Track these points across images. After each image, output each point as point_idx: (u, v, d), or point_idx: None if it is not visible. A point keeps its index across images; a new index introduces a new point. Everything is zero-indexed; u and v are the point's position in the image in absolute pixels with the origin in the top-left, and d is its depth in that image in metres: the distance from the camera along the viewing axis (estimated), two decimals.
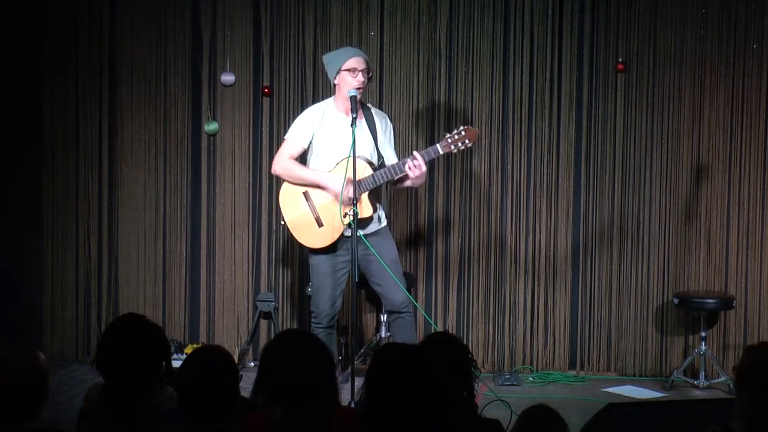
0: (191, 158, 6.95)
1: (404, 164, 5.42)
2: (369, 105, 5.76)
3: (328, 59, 5.61)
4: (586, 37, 6.68)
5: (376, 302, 6.74)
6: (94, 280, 7.01)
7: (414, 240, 6.84)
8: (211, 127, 6.88)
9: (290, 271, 6.91)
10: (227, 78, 6.84)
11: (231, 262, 6.94)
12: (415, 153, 5.43)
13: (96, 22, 6.92)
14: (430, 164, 6.74)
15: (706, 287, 6.67)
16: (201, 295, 6.98)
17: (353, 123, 5.27)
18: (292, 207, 5.60)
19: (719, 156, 6.64)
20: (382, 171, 5.46)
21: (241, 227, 6.92)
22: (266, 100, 6.88)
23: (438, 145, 5.48)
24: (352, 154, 5.23)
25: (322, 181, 5.48)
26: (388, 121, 5.78)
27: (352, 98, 5.36)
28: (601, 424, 4.05)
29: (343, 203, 5.37)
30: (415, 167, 5.38)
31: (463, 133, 5.44)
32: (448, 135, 5.50)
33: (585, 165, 6.73)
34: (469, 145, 5.47)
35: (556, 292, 6.76)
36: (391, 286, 5.52)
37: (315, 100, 6.77)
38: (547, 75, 6.71)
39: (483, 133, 6.76)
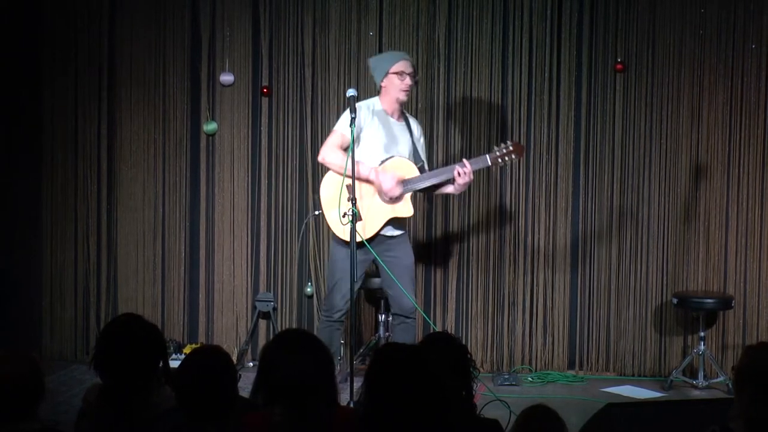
0: (190, 158, 6.95)
1: (452, 169, 5.48)
2: (404, 111, 5.77)
3: (375, 62, 5.70)
4: (585, 37, 6.68)
5: (374, 302, 6.75)
6: (93, 280, 7.01)
7: (413, 240, 6.83)
8: (210, 127, 6.89)
9: (289, 271, 6.91)
10: (226, 78, 6.84)
11: (230, 262, 6.94)
12: (464, 160, 5.51)
13: (96, 23, 6.92)
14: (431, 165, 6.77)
15: (705, 287, 6.67)
16: (200, 295, 6.98)
17: (352, 122, 5.27)
18: (333, 198, 5.51)
19: (718, 156, 6.64)
20: (429, 173, 5.55)
21: (240, 227, 6.92)
22: (265, 100, 6.88)
23: (487, 156, 5.56)
24: (351, 154, 5.24)
25: (373, 177, 5.46)
26: (419, 125, 5.85)
27: (350, 98, 5.35)
28: (600, 424, 4.05)
29: (388, 201, 5.48)
30: (465, 174, 5.45)
31: (511, 147, 5.53)
32: (496, 148, 5.59)
33: (584, 165, 6.73)
34: (516, 159, 5.59)
35: (555, 292, 6.77)
36: (402, 290, 5.55)
37: (314, 100, 6.78)
38: (546, 75, 6.71)
39: (482, 133, 6.76)
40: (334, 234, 5.55)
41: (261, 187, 6.90)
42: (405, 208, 5.56)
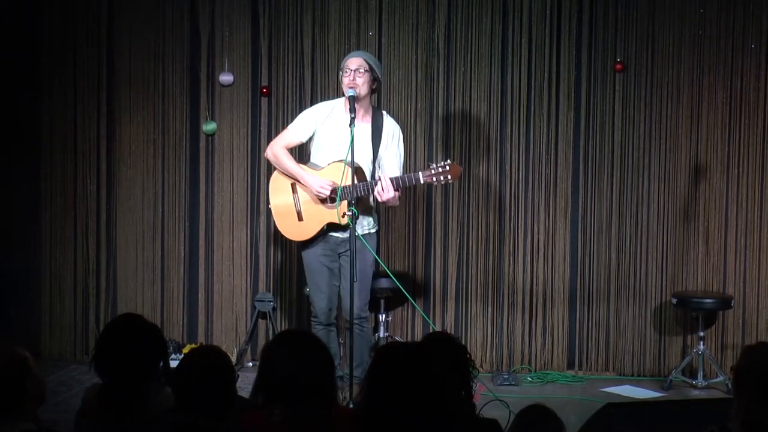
0: (189, 158, 6.95)
1: (375, 185, 5.33)
2: (383, 112, 5.68)
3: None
4: (584, 37, 6.68)
5: (374, 302, 6.74)
6: (93, 280, 7.01)
7: (412, 240, 6.84)
8: (209, 127, 6.89)
9: (288, 271, 6.91)
10: (226, 78, 6.84)
11: (229, 262, 6.94)
12: (383, 176, 5.34)
13: (95, 23, 6.92)
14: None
15: (705, 287, 6.67)
16: (199, 295, 6.98)
17: (351, 123, 5.25)
18: (279, 194, 5.65)
19: (717, 156, 6.64)
20: (358, 185, 5.34)
21: (239, 227, 6.92)
22: (264, 100, 6.88)
23: (420, 173, 5.36)
24: (350, 155, 5.21)
25: (304, 179, 5.51)
26: (398, 131, 5.65)
27: (350, 98, 5.35)
28: (600, 424, 4.06)
29: (320, 202, 5.42)
30: (383, 190, 5.29)
31: (447, 167, 5.29)
32: (432, 165, 5.35)
33: (583, 165, 6.73)
34: (451, 181, 5.35)
35: (554, 291, 6.76)
36: (346, 293, 5.39)
37: (313, 100, 6.78)
38: (546, 75, 6.71)
39: (481, 133, 6.76)
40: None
41: (260, 187, 6.90)
42: (338, 215, 5.34)
